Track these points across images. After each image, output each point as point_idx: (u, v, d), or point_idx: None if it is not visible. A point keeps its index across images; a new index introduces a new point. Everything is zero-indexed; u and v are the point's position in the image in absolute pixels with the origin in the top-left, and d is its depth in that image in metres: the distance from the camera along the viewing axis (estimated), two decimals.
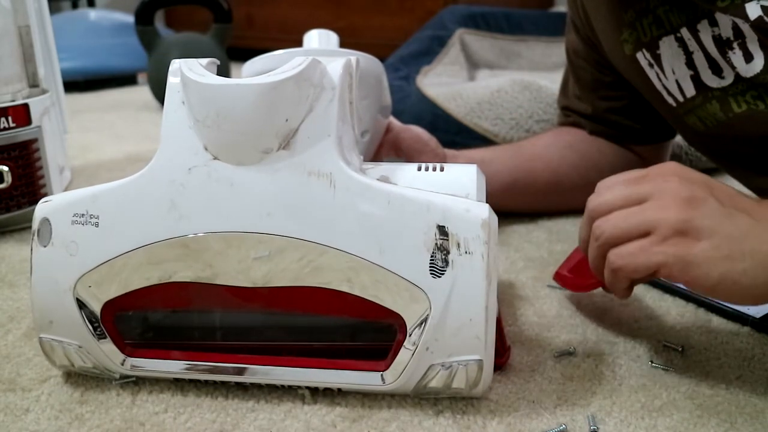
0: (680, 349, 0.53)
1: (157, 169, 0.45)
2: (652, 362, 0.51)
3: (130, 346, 0.47)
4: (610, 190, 0.48)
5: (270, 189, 0.43)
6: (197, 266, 0.44)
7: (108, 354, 0.47)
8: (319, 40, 0.67)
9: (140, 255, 0.45)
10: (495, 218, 0.43)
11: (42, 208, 0.47)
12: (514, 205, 0.81)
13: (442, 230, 0.42)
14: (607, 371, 0.50)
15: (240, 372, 0.46)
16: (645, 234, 0.45)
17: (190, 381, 0.48)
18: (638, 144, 0.81)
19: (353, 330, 0.48)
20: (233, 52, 1.74)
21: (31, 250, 0.47)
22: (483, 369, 0.43)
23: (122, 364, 0.47)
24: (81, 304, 0.46)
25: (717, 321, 0.57)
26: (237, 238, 0.43)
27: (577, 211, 0.82)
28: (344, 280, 0.43)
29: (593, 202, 0.49)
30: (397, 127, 0.72)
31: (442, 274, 0.42)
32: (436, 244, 0.42)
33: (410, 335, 0.43)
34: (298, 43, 0.67)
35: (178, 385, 0.49)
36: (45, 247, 0.46)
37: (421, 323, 0.42)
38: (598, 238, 0.47)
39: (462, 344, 0.42)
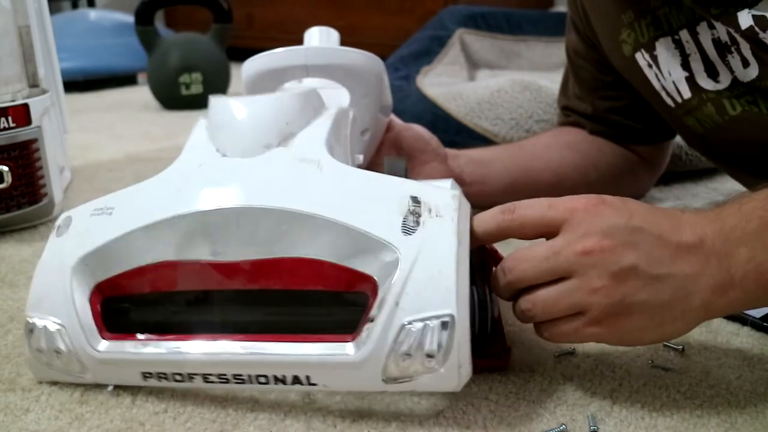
0: (680, 348, 0.53)
1: (172, 168, 0.50)
2: (652, 362, 0.51)
3: (107, 332, 0.47)
4: (531, 260, 0.44)
5: (265, 171, 0.47)
6: (190, 243, 0.46)
7: (87, 334, 0.46)
8: (319, 37, 0.67)
9: (140, 234, 0.46)
10: (467, 203, 0.46)
11: (68, 211, 0.50)
12: None
13: (415, 200, 0.44)
14: (607, 371, 0.50)
15: (206, 349, 0.45)
16: (575, 313, 0.43)
17: (191, 381, 0.48)
18: (639, 144, 0.81)
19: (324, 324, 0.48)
20: (233, 52, 1.74)
21: (48, 242, 0.49)
22: (456, 328, 0.41)
23: (97, 349, 0.46)
24: (75, 280, 0.47)
25: (717, 321, 0.57)
26: (231, 213, 0.45)
27: None
28: (323, 246, 0.44)
29: (514, 271, 0.45)
30: (399, 125, 0.72)
31: (413, 232, 0.43)
32: (409, 209, 0.44)
33: (380, 291, 0.42)
34: (299, 42, 0.67)
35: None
36: (60, 237, 0.49)
37: (391, 279, 0.42)
38: (524, 311, 0.45)
39: (432, 297, 0.41)
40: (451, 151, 0.75)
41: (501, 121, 1.02)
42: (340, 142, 0.52)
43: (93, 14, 2.13)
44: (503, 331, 0.53)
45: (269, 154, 0.48)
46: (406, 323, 0.41)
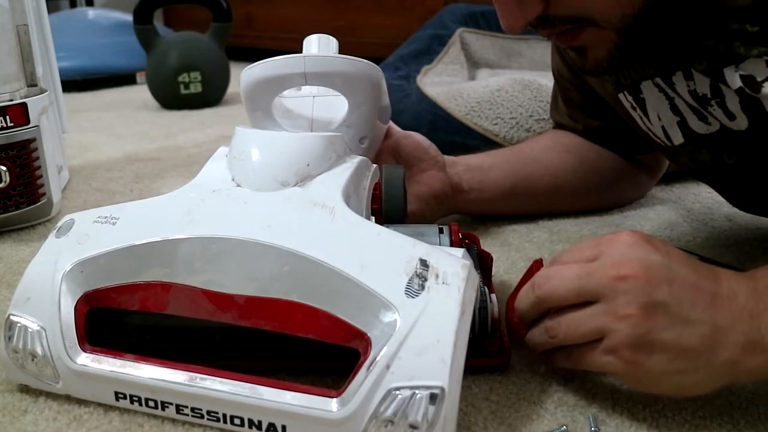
0: None
1: (186, 189, 0.50)
2: None
3: (88, 344, 0.46)
4: (561, 278, 0.44)
5: (276, 209, 0.47)
6: (189, 267, 0.45)
7: (66, 342, 0.45)
8: (318, 45, 0.67)
9: (141, 250, 0.46)
10: (476, 275, 0.44)
11: (71, 214, 0.50)
12: (513, 210, 0.80)
13: (424, 263, 0.43)
14: None
15: (185, 381, 0.44)
16: (597, 337, 0.42)
17: (164, 410, 0.45)
18: (638, 153, 0.80)
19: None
20: (232, 52, 1.74)
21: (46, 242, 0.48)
22: (445, 401, 0.39)
23: (74, 360, 0.45)
24: (65, 285, 0.46)
25: None
26: (235, 244, 0.44)
27: (578, 213, 0.82)
28: (321, 294, 0.43)
29: (543, 286, 0.45)
30: (398, 133, 0.71)
31: (417, 295, 0.41)
32: (416, 271, 0.42)
33: (372, 352, 0.41)
34: (298, 41, 0.67)
35: None
36: (59, 238, 0.48)
37: (386, 340, 0.40)
38: (553, 336, 0.45)
39: (425, 366, 0.39)
40: (449, 159, 0.74)
41: (501, 121, 1.02)
42: (358, 193, 0.51)
43: (91, 13, 2.12)
44: (503, 331, 0.52)
45: (284, 192, 0.48)
46: (393, 389, 0.40)
